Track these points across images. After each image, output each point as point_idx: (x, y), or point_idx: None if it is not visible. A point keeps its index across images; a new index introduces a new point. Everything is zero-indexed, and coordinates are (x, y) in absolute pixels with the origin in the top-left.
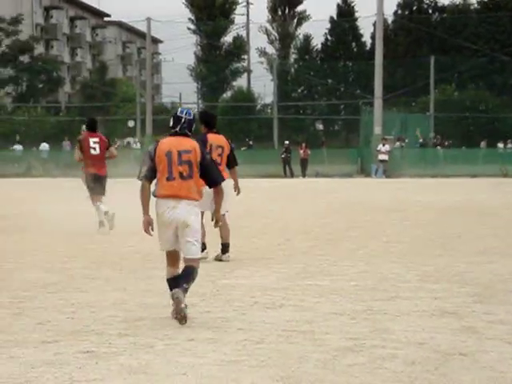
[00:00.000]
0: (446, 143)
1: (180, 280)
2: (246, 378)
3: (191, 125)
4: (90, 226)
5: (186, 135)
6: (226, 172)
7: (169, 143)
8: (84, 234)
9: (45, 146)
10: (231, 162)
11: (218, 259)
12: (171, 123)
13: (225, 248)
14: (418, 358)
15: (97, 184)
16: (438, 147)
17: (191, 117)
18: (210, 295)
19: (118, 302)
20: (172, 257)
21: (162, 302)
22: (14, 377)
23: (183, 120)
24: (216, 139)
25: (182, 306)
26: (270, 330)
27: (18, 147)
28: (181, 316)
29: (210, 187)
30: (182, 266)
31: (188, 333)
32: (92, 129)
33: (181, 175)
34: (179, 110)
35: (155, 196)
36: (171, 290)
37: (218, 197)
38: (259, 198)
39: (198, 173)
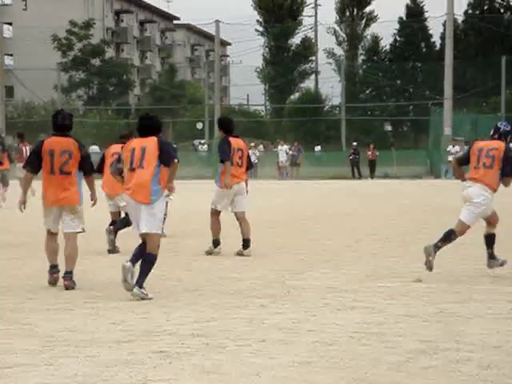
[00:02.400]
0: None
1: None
2: (319, 379)
3: (507, 134)
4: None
5: (500, 139)
6: (244, 174)
7: (483, 143)
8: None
9: (94, 148)
10: (248, 164)
11: (240, 254)
12: (491, 132)
13: (246, 243)
14: (494, 361)
15: None
16: None
17: (508, 128)
18: (281, 296)
19: (189, 302)
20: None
21: (233, 302)
22: (90, 376)
23: (501, 129)
24: (236, 143)
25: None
26: (342, 331)
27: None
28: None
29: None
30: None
31: (259, 334)
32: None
33: (484, 165)
34: (499, 122)
35: (464, 180)
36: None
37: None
38: (327, 199)
39: (499, 166)
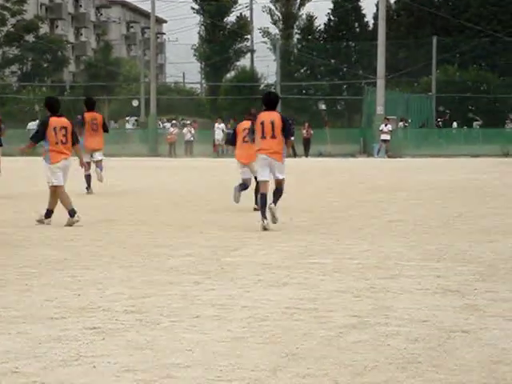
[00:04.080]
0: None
1: None
2: (252, 354)
3: None
4: (95, 202)
5: None
6: (70, 150)
7: None
8: (88, 212)
9: (33, 124)
10: (75, 140)
11: (70, 224)
12: None
13: (48, 214)
14: (421, 335)
15: None
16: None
17: None
18: (215, 273)
19: (123, 279)
20: None
21: (167, 279)
22: (22, 352)
23: None
24: (59, 122)
25: None
26: (275, 307)
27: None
28: None
29: None
30: None
31: (193, 310)
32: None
33: None
34: None
35: None
36: None
37: None
38: None
39: None
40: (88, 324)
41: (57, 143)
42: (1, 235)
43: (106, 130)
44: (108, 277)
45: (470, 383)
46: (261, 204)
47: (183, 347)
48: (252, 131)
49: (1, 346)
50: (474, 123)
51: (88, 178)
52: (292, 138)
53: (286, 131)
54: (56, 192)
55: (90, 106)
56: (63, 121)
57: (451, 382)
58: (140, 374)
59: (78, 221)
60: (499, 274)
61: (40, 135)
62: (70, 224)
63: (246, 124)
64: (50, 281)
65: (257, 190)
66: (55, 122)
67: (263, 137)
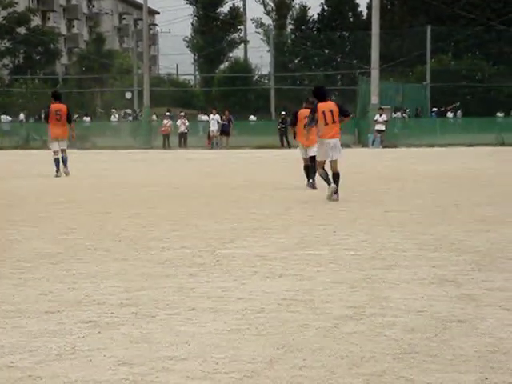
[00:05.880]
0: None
1: None
2: (248, 346)
3: None
4: (87, 197)
5: None
6: None
7: None
8: (82, 206)
9: (5, 118)
10: None
11: None
12: None
13: None
14: (418, 325)
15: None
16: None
17: None
18: (210, 265)
19: (119, 272)
20: None
21: (162, 271)
22: (17, 346)
23: None
24: None
25: None
26: (270, 299)
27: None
28: None
29: None
30: None
31: (189, 302)
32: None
33: None
34: None
35: None
36: None
37: None
38: (257, 168)
39: None
40: (83, 317)
41: None
42: None
43: (69, 121)
44: (103, 270)
45: (467, 373)
46: (325, 175)
47: (179, 340)
48: (311, 119)
49: None
50: (449, 113)
51: (57, 161)
52: (351, 115)
53: (344, 112)
54: None
55: (56, 98)
56: None
57: (448, 371)
58: (136, 367)
59: None
60: (495, 263)
61: None
62: None
63: (307, 112)
64: (45, 274)
65: (306, 168)
66: None
67: (326, 123)
